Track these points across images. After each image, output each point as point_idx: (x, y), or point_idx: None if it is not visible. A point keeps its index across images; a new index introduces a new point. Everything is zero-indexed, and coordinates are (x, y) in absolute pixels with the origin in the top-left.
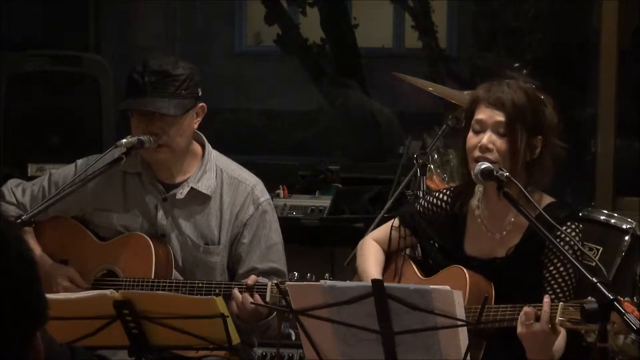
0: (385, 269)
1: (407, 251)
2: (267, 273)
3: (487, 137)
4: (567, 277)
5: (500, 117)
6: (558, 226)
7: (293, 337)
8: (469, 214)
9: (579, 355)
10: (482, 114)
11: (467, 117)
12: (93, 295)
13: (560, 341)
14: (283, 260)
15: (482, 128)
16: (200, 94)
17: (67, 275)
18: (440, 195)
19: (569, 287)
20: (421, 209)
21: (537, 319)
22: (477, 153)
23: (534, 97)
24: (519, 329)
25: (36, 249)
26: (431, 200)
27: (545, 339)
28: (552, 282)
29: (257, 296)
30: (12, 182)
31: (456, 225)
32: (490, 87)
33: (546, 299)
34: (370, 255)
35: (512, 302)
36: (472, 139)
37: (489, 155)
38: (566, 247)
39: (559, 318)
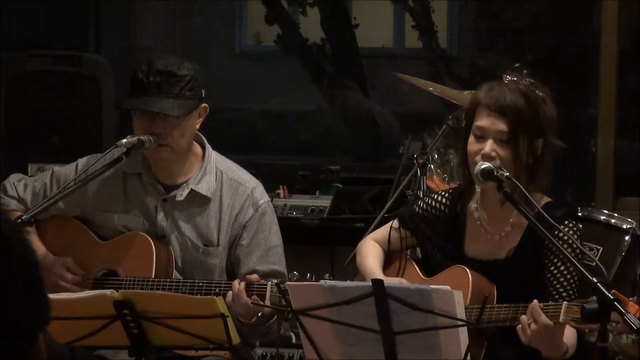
0: (386, 269)
1: (409, 252)
2: (268, 275)
3: (489, 146)
4: (569, 277)
5: (502, 125)
6: (557, 225)
7: (293, 340)
8: (468, 216)
9: (580, 355)
10: (484, 120)
11: (468, 117)
12: (93, 295)
13: (568, 333)
14: (283, 262)
15: (483, 135)
16: (204, 94)
17: (63, 264)
18: (439, 198)
19: (572, 287)
20: (420, 210)
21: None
22: (479, 161)
23: (534, 99)
24: (523, 339)
25: (39, 248)
26: (430, 202)
27: (547, 334)
28: (555, 282)
29: (255, 296)
30: (14, 177)
31: (456, 227)
32: (491, 90)
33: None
34: (370, 254)
35: (514, 303)
36: (473, 144)
37: (492, 164)
38: (565, 246)
39: (562, 317)
